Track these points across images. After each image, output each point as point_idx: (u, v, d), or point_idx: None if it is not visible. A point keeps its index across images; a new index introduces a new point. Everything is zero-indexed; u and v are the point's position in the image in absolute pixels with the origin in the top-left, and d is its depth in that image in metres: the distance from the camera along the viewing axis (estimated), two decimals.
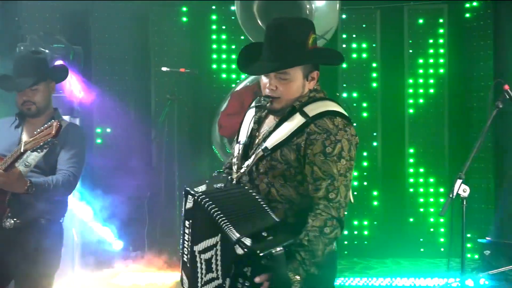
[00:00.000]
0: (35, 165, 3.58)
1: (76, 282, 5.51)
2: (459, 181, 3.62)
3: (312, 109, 2.67)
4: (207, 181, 2.74)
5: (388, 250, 7.26)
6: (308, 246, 2.54)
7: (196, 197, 2.58)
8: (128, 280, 6.21)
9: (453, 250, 4.26)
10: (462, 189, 3.62)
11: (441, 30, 7.38)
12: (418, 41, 7.42)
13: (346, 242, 7.26)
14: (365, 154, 7.44)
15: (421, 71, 7.41)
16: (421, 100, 7.41)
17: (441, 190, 7.33)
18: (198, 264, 2.59)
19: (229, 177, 2.78)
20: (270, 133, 2.72)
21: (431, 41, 7.38)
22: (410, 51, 7.42)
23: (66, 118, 4.51)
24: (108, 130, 7.27)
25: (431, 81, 7.40)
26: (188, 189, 2.66)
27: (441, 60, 7.38)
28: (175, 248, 6.33)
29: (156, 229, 6.92)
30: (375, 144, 7.48)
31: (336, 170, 2.59)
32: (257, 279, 2.42)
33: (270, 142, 2.68)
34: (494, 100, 4.02)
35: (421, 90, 7.41)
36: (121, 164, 6.83)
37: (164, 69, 6.68)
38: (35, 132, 3.45)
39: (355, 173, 7.18)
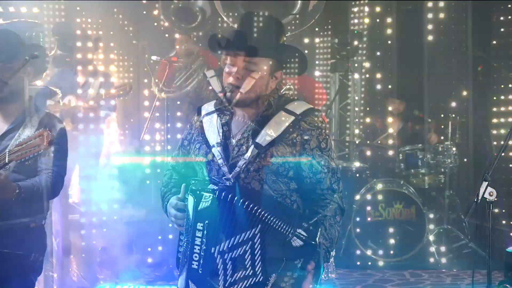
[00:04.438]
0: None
1: None
2: (484, 183, 3.40)
3: (295, 107, 2.83)
4: (207, 179, 2.75)
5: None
6: (327, 235, 2.72)
7: (218, 192, 2.61)
8: None
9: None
10: (488, 192, 3.39)
11: None
12: None
13: (358, 252, 6.94)
14: None
15: None
16: None
17: None
18: (220, 266, 2.61)
19: (224, 177, 2.77)
20: (254, 131, 2.80)
21: None
22: None
23: None
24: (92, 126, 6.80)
25: None
26: (200, 187, 2.66)
27: None
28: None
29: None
30: None
31: (334, 164, 2.83)
32: (309, 267, 2.58)
33: (261, 140, 2.77)
34: None
35: None
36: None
37: (154, 58, 6.46)
38: (21, 140, 3.28)
39: None
